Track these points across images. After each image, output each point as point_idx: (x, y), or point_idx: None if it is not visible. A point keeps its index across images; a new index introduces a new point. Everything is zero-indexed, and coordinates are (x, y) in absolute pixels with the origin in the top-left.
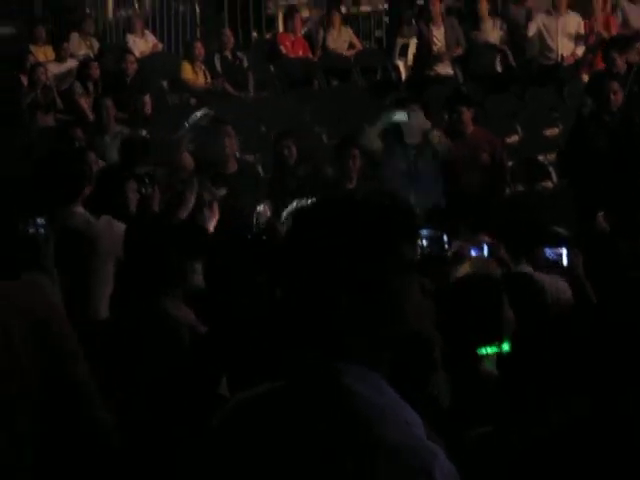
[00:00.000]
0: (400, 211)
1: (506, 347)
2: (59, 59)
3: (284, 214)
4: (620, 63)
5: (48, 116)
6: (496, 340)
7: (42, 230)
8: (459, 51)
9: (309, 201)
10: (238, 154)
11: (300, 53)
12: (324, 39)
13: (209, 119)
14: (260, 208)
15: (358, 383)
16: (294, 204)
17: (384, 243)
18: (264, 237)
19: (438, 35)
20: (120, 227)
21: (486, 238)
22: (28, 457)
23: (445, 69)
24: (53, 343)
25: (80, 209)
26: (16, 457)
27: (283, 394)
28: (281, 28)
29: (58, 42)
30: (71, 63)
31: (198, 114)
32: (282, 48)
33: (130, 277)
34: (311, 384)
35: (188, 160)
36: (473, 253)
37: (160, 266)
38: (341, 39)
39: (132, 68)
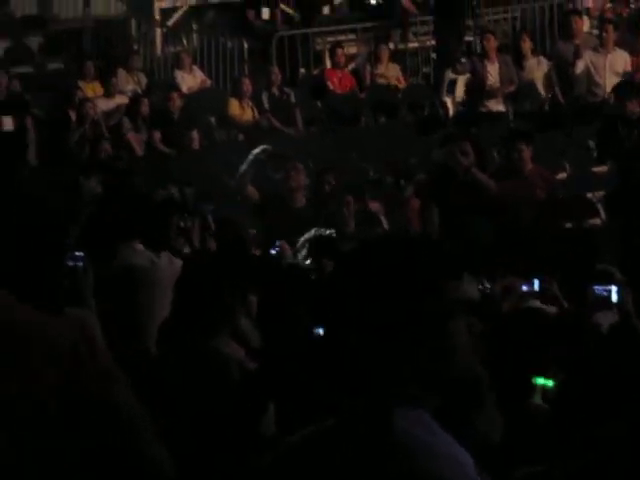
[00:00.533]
0: (443, 251)
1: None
2: (107, 95)
3: (301, 240)
4: None
5: (96, 150)
6: (547, 373)
7: (80, 263)
8: (512, 88)
9: (327, 231)
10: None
11: (347, 89)
12: (372, 75)
13: (267, 154)
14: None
15: (410, 424)
16: (312, 232)
17: (429, 284)
18: (312, 276)
19: (492, 71)
20: (178, 263)
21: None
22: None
23: (497, 106)
24: (86, 370)
25: (140, 246)
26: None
27: (335, 436)
28: (328, 64)
29: (106, 78)
30: (119, 99)
31: (256, 150)
32: (329, 84)
33: (182, 313)
34: (363, 425)
35: (253, 193)
36: (524, 289)
37: (214, 305)
38: (389, 75)
39: (180, 104)
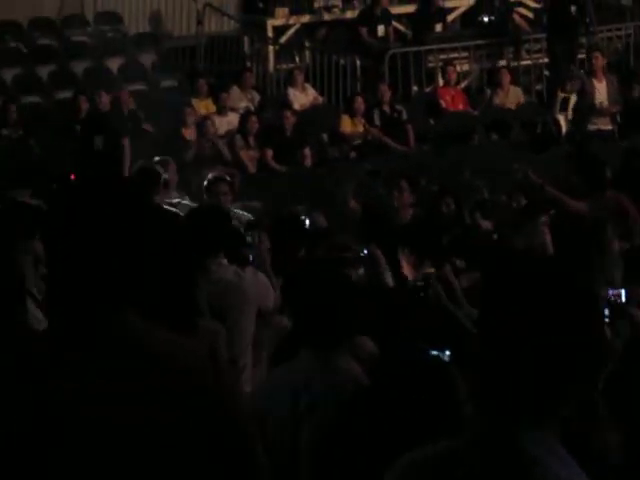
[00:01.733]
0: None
1: None
2: (219, 112)
3: None
4: None
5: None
6: None
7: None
8: (616, 108)
9: None
10: None
11: (460, 107)
12: (491, 97)
13: (366, 172)
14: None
15: (538, 448)
16: None
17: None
18: (422, 294)
19: (600, 89)
20: (262, 277)
21: None
22: None
23: (606, 124)
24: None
25: (224, 260)
26: None
27: (460, 455)
28: (441, 82)
29: (219, 95)
30: (232, 116)
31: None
32: (442, 102)
33: (299, 330)
34: (489, 447)
35: (356, 208)
36: None
37: (335, 322)
38: (508, 100)
39: (291, 122)
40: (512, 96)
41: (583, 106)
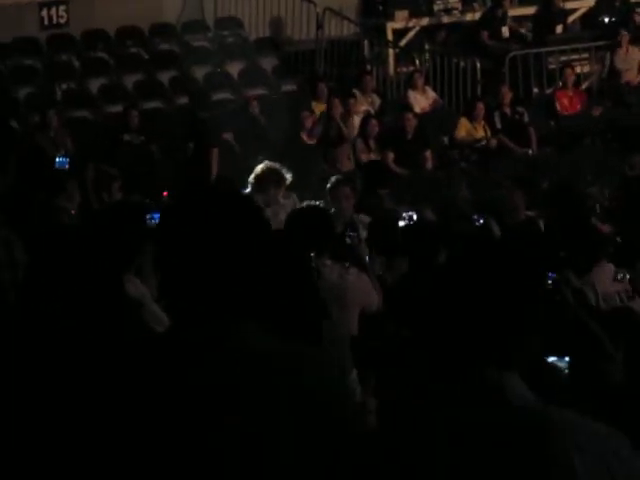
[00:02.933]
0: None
1: None
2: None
3: None
4: None
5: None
6: None
7: None
8: None
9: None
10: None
11: (578, 109)
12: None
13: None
14: None
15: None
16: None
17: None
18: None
19: None
20: (366, 278)
21: None
22: None
23: None
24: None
25: (329, 261)
26: None
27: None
28: (561, 83)
29: (344, 100)
30: (353, 120)
31: None
32: (557, 105)
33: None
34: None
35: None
36: None
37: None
38: None
39: (412, 124)
40: None
41: None
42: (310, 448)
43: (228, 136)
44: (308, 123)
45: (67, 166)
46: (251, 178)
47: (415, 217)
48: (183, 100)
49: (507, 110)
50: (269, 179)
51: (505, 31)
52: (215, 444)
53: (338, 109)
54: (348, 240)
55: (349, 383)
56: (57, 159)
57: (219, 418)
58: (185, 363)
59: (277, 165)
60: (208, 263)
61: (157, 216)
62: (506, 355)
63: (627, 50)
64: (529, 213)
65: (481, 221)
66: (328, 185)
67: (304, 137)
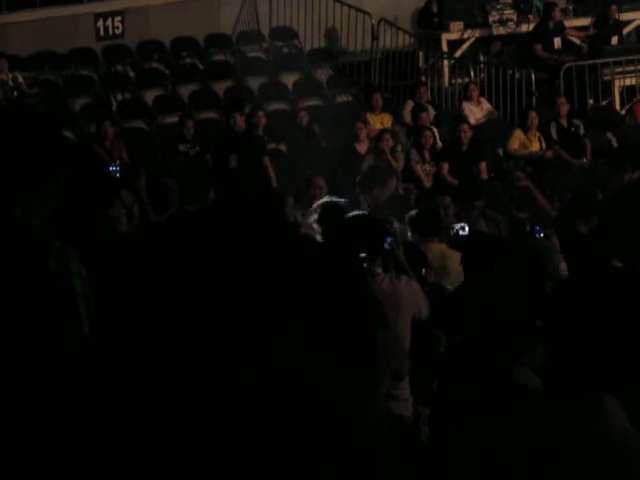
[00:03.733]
0: None
1: None
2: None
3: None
4: None
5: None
6: None
7: None
8: None
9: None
10: None
11: (638, 120)
12: None
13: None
14: None
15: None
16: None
17: None
18: None
19: None
20: (416, 286)
21: None
22: None
23: None
24: None
25: (379, 269)
26: None
27: None
28: (617, 94)
29: (395, 110)
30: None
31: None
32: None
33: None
34: None
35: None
36: None
37: (517, 333)
38: None
39: (467, 136)
40: None
41: None
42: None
43: (281, 147)
44: (362, 135)
45: (118, 175)
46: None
47: (467, 228)
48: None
49: (563, 122)
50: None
51: (558, 42)
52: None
53: (388, 142)
54: (387, 246)
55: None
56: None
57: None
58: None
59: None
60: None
61: None
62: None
63: None
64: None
65: (541, 234)
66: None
67: (358, 148)
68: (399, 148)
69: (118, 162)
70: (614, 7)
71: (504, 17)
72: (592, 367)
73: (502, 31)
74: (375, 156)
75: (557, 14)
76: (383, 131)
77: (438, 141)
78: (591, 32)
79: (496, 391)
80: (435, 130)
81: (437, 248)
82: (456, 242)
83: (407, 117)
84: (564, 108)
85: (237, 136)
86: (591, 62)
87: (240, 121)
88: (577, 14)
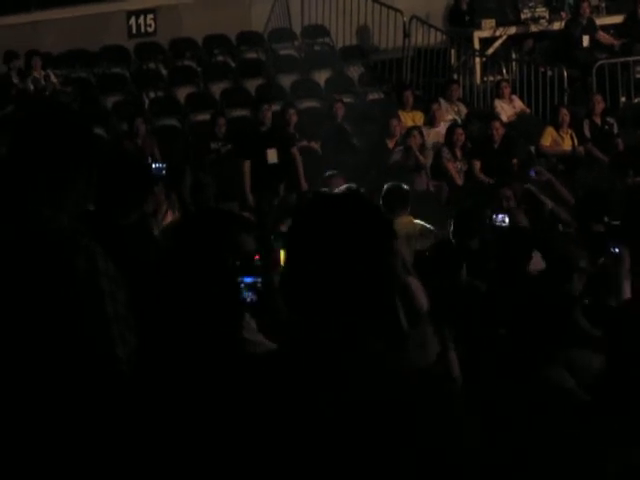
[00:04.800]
0: None
1: None
2: (428, 124)
3: None
4: None
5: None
6: None
7: None
8: None
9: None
10: None
11: None
12: None
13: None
14: None
15: None
16: None
17: None
18: None
19: None
20: (415, 281)
21: None
22: None
23: None
24: None
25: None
26: None
27: None
28: None
29: (426, 107)
30: (440, 128)
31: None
32: None
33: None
34: None
35: None
36: None
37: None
38: None
39: (499, 133)
40: None
41: None
42: None
43: (312, 144)
44: (396, 132)
45: (164, 172)
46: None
47: (507, 221)
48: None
49: (597, 119)
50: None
51: (586, 40)
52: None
53: (417, 139)
54: None
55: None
56: (154, 165)
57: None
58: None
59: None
60: (340, 270)
61: None
62: None
63: None
64: None
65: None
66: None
67: (390, 145)
68: (428, 145)
69: (150, 160)
70: None
71: (536, 14)
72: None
73: (534, 29)
74: (403, 153)
75: (586, 11)
76: (412, 128)
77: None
78: (617, 43)
79: (527, 389)
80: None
81: (405, 220)
82: (495, 234)
83: (439, 114)
84: (599, 106)
85: (269, 130)
86: (623, 60)
87: (269, 116)
88: (609, 11)
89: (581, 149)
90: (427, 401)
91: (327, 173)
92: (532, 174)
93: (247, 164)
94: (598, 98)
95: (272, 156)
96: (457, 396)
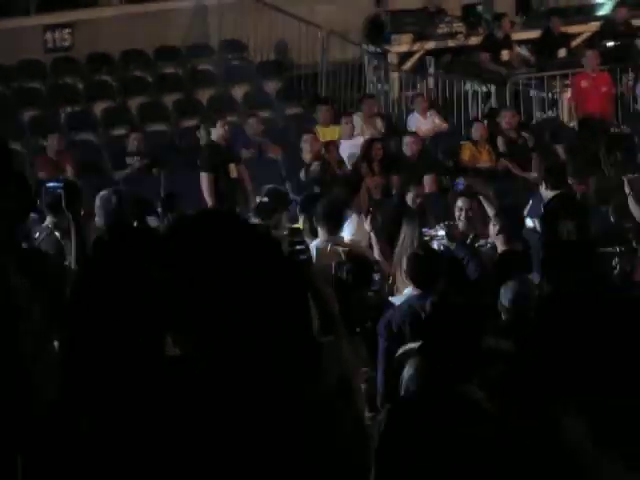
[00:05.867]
0: None
1: None
2: (344, 139)
3: None
4: None
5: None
6: None
7: None
8: None
9: None
10: None
11: None
12: None
13: None
14: None
15: None
16: None
17: None
18: None
19: None
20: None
21: None
22: None
23: None
24: None
25: None
26: None
27: None
28: (564, 107)
29: (343, 122)
30: (356, 141)
31: None
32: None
33: None
34: None
35: None
36: None
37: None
38: None
39: (416, 148)
40: None
41: None
42: None
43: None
44: (314, 146)
45: (59, 191)
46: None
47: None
48: (188, 123)
49: (512, 134)
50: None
51: (505, 55)
52: None
53: (333, 154)
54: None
55: None
56: (49, 184)
57: None
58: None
59: (282, 188)
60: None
61: None
62: None
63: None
64: None
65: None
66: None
67: (307, 159)
68: (345, 159)
69: (63, 176)
70: (559, 20)
71: (453, 29)
72: (548, 384)
73: (451, 43)
74: (320, 167)
75: (506, 26)
76: (328, 143)
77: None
78: (533, 59)
79: (448, 406)
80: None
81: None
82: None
83: (356, 129)
84: (513, 120)
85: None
86: (539, 75)
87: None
88: (525, 27)
89: (501, 164)
90: (314, 417)
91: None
92: (460, 186)
93: (209, 178)
94: (511, 113)
95: (233, 171)
96: (347, 415)
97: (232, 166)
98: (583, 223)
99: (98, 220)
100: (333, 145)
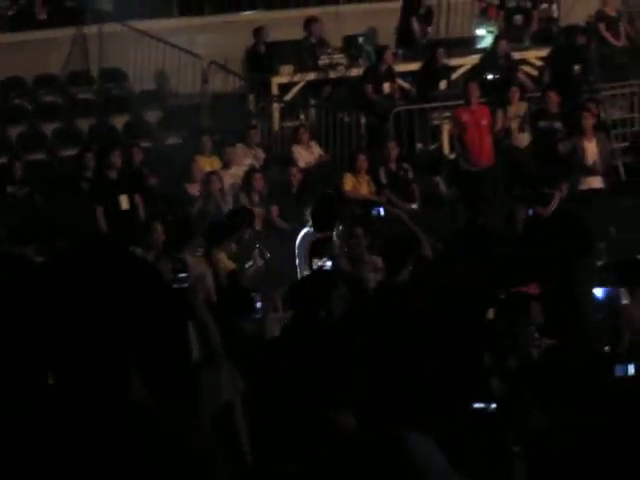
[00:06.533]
0: None
1: None
2: (224, 167)
3: None
4: None
5: None
6: None
7: None
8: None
9: None
10: None
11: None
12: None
13: None
14: None
15: None
16: None
17: None
18: None
19: (590, 148)
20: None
21: None
22: None
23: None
24: None
25: None
26: None
27: None
28: (446, 139)
29: (224, 153)
30: (236, 171)
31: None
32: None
33: None
34: None
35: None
36: None
37: None
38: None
39: (297, 179)
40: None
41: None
42: None
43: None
44: (196, 176)
45: None
46: None
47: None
48: (67, 152)
49: (393, 166)
50: None
51: (386, 87)
52: None
53: (216, 185)
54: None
55: None
56: None
57: None
58: None
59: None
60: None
61: None
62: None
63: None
64: None
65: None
66: None
67: (190, 190)
68: (226, 190)
69: None
70: (441, 51)
71: (334, 61)
72: (394, 405)
73: (332, 75)
74: (204, 200)
75: (388, 58)
76: (210, 174)
77: None
78: (414, 90)
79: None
80: None
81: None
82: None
83: (237, 160)
84: (394, 152)
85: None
86: (420, 106)
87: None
88: (406, 59)
89: (382, 196)
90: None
91: None
92: (379, 212)
93: (99, 211)
94: (393, 144)
95: (124, 202)
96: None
97: (123, 197)
98: None
99: None
100: (216, 176)
